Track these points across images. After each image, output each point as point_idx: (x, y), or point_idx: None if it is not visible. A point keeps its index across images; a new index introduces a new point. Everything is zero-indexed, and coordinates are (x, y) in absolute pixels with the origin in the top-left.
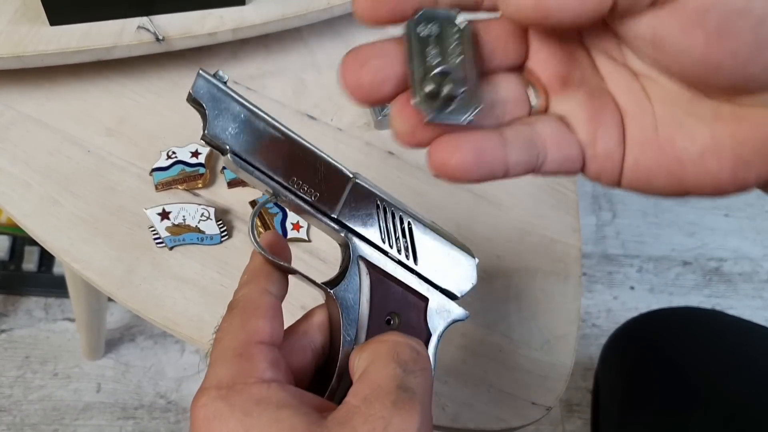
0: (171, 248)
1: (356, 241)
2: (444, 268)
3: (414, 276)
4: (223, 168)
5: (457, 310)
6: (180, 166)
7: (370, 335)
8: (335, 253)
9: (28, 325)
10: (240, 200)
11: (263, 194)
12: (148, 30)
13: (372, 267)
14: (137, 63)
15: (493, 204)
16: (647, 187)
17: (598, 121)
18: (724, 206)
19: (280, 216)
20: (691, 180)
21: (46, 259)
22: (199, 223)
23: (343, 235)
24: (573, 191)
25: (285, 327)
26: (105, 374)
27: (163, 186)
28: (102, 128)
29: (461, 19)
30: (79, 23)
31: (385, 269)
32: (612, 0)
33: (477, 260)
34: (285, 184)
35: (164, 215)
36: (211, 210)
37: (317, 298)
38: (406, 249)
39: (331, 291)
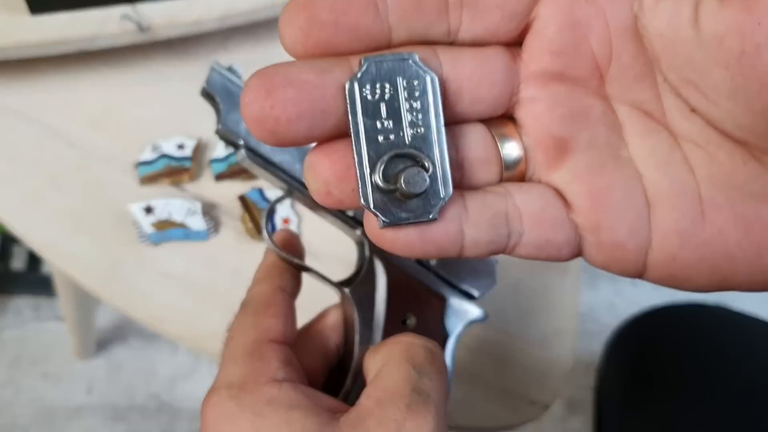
0: (156, 244)
1: None
2: (462, 268)
3: (431, 275)
4: (211, 161)
5: (475, 311)
6: (165, 160)
7: (385, 336)
8: (328, 248)
9: (18, 326)
10: (228, 194)
11: (279, 190)
12: (131, 19)
13: (389, 265)
14: (123, 53)
15: None
16: (683, 285)
17: (605, 202)
18: None
19: None
20: (741, 278)
21: (35, 258)
22: (185, 218)
23: (359, 232)
24: None
25: (299, 325)
26: (96, 375)
27: (148, 180)
28: (86, 121)
29: (417, 63)
30: (61, 12)
31: (402, 268)
32: None
33: (497, 260)
34: (300, 179)
35: (149, 210)
36: (198, 205)
37: (332, 294)
38: None
39: (346, 290)
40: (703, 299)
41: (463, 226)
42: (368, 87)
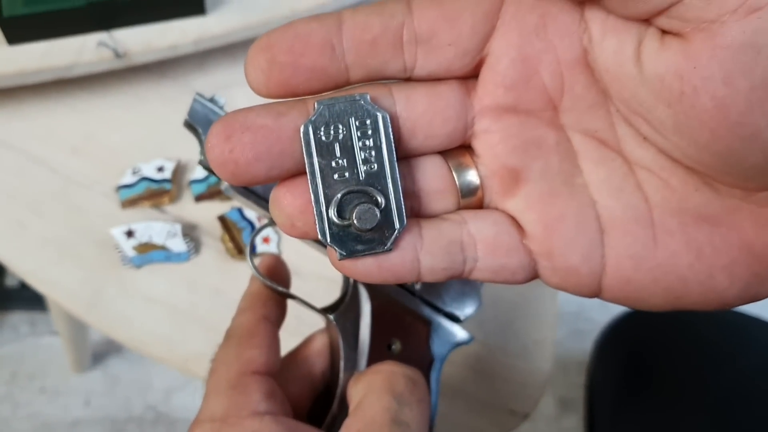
0: (138, 267)
1: None
2: (447, 291)
3: (416, 299)
4: (190, 182)
5: (460, 333)
6: (146, 183)
7: (370, 361)
8: (309, 266)
9: (14, 341)
10: (208, 215)
11: (261, 217)
12: (107, 46)
13: (373, 291)
14: (101, 79)
15: None
16: (637, 305)
17: (558, 229)
18: None
19: (248, 230)
20: (694, 298)
21: None
22: (165, 240)
23: None
24: None
25: (285, 347)
26: (93, 388)
27: (129, 203)
28: (67, 146)
29: (368, 103)
30: (38, 41)
31: (386, 293)
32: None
33: (482, 282)
34: None
35: (130, 234)
36: (178, 227)
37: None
38: None
39: (331, 317)
40: None
41: (418, 255)
42: (322, 129)
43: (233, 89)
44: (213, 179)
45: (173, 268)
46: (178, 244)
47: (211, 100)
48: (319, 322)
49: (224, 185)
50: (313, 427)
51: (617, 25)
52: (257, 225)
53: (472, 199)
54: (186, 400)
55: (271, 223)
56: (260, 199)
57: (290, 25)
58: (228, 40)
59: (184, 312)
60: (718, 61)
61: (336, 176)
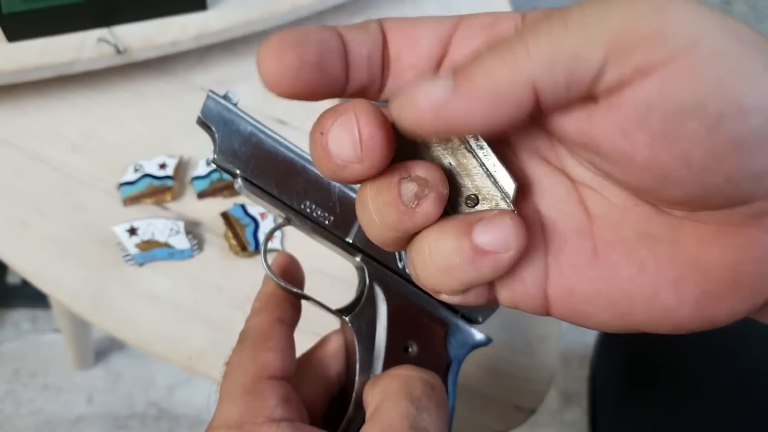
0: (141, 265)
1: (372, 265)
2: None
3: (433, 300)
4: (193, 179)
5: (478, 336)
6: (147, 180)
7: (387, 364)
8: (315, 263)
9: (16, 338)
10: (211, 212)
11: (275, 217)
12: (108, 42)
13: (389, 292)
14: (102, 75)
15: None
16: (587, 321)
17: None
18: None
19: (252, 227)
20: (641, 316)
21: None
22: (168, 238)
23: (359, 259)
24: None
25: (300, 348)
26: (96, 384)
27: (131, 200)
28: (68, 144)
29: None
30: (38, 38)
31: (403, 294)
32: (532, 100)
33: None
34: (297, 208)
35: (132, 232)
36: (180, 224)
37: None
38: None
39: (346, 318)
40: None
41: None
42: None
43: (234, 84)
44: (215, 175)
45: (176, 266)
46: (181, 242)
47: (225, 97)
48: (330, 322)
49: (238, 185)
50: None
51: None
52: (260, 221)
53: None
54: (188, 396)
55: (286, 223)
56: (275, 198)
57: (308, 29)
58: (229, 35)
59: (187, 309)
60: (613, 119)
61: None
